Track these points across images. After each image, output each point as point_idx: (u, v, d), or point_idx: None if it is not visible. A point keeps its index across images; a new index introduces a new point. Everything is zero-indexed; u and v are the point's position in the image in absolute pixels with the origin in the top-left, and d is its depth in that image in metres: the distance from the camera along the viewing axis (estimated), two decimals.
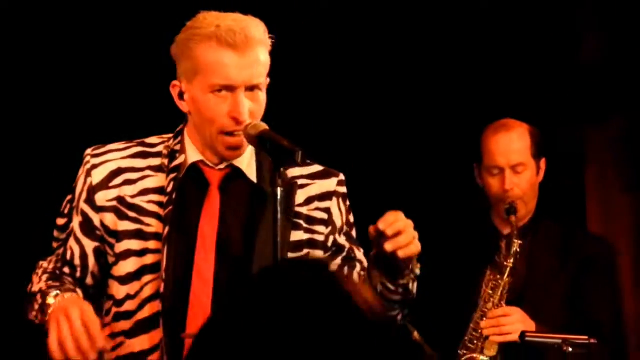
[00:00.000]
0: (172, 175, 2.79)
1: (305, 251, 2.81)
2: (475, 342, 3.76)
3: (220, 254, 2.77)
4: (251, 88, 2.75)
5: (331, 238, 2.86)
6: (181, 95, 2.81)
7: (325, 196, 2.86)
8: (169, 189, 2.78)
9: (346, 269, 2.84)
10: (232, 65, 2.72)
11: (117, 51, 4.37)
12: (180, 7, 3.01)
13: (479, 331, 3.76)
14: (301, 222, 2.83)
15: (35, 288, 2.77)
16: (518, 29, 4.73)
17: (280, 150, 2.61)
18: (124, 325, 2.78)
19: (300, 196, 2.84)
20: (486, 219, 3.99)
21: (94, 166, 2.82)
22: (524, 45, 4.75)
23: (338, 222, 2.87)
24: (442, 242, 3.93)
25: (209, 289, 2.75)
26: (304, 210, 2.84)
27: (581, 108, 4.79)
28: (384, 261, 2.66)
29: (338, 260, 2.85)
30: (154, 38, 2.95)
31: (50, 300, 2.67)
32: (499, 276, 3.79)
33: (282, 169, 2.61)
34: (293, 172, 2.86)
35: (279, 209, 2.57)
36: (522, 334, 3.58)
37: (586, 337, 3.49)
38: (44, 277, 2.80)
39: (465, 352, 3.77)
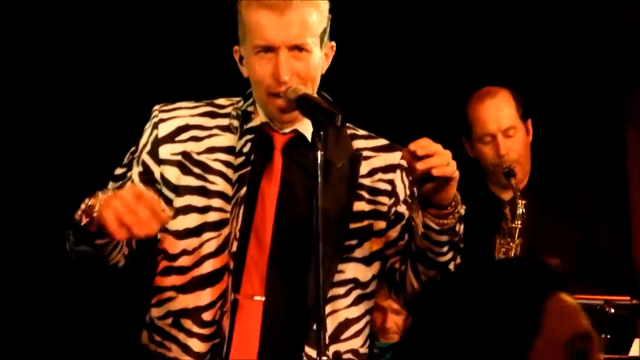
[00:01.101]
0: (248, 137, 2.79)
1: (367, 222, 2.80)
2: None
3: (279, 217, 2.77)
4: (294, 48, 2.73)
5: (393, 209, 2.85)
6: (242, 59, 2.82)
7: (389, 168, 2.86)
8: (245, 149, 2.78)
9: (406, 236, 2.83)
10: (270, 26, 2.71)
11: (187, 18, 4.38)
12: None
13: None
14: (364, 193, 2.82)
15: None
16: None
17: (320, 113, 2.60)
18: (176, 279, 2.76)
19: (364, 167, 2.84)
20: (484, 189, 3.98)
21: (162, 120, 2.83)
22: (565, 9, 4.72)
23: (401, 194, 2.86)
24: None
25: (266, 251, 2.75)
26: (367, 181, 2.83)
27: (623, 71, 4.76)
28: (424, 194, 2.66)
29: (398, 228, 2.84)
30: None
31: (92, 201, 2.59)
32: (509, 239, 3.78)
33: (321, 132, 2.59)
34: (357, 144, 2.86)
35: (319, 172, 2.56)
36: None
37: (628, 298, 3.49)
38: None
39: None
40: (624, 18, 4.73)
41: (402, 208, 2.85)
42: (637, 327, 3.88)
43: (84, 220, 2.60)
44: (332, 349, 2.75)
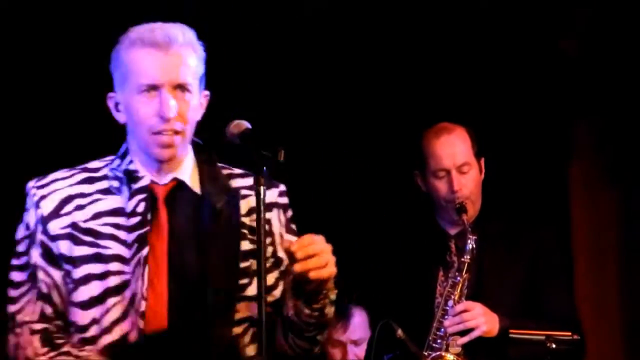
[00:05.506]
0: (140, 197, 2.78)
1: (251, 260, 2.78)
2: (440, 341, 3.77)
3: (172, 268, 2.75)
4: (178, 87, 2.74)
5: (270, 249, 2.84)
6: (117, 106, 2.82)
7: (266, 207, 2.76)
8: (139, 209, 2.76)
9: (281, 283, 2.82)
10: (154, 64, 2.72)
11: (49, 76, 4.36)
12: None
13: (443, 330, 3.77)
14: (246, 231, 2.82)
15: None
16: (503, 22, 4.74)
17: (265, 149, 2.60)
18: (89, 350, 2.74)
19: (243, 207, 2.83)
20: (432, 222, 4.00)
21: (42, 197, 2.80)
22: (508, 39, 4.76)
23: (277, 233, 2.87)
24: (391, 249, 3.96)
25: (164, 304, 2.73)
26: (247, 220, 2.82)
27: (566, 105, 4.81)
28: (297, 284, 2.67)
29: (275, 274, 2.84)
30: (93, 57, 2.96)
31: None
32: (457, 273, 3.80)
33: (264, 170, 2.59)
34: (235, 183, 2.85)
35: (262, 208, 2.57)
36: (506, 331, 3.60)
37: (569, 333, 3.51)
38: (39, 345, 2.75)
39: (430, 352, 3.76)
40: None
41: (281, 253, 2.84)
42: None
43: None
44: None
